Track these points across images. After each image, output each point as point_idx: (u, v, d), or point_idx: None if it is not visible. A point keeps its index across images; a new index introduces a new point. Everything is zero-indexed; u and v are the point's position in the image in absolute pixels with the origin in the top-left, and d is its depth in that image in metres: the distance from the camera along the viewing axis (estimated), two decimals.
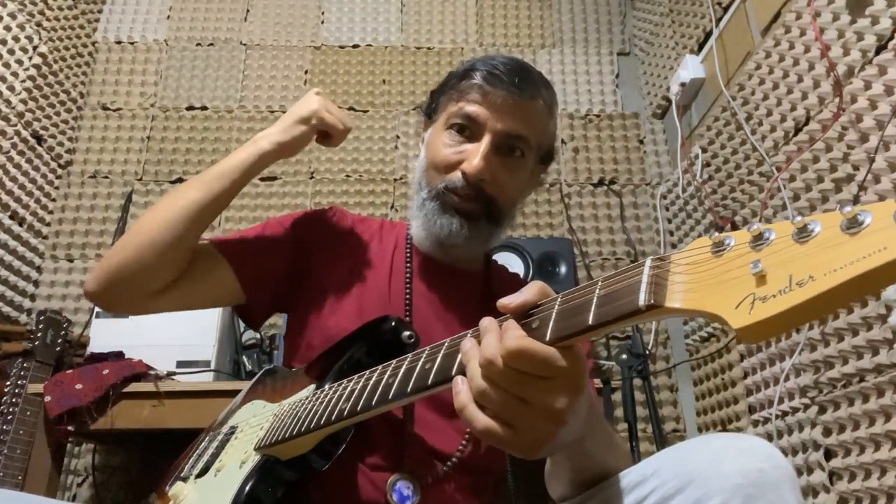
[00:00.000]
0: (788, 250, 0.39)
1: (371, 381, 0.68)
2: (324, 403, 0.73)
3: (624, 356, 1.77)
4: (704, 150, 1.98)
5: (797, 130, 1.52)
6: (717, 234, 0.44)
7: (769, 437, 1.49)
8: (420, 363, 0.62)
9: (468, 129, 0.97)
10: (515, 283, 1.13)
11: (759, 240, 0.41)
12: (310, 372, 0.89)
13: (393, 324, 0.83)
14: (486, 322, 0.56)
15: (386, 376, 0.66)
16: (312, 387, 0.84)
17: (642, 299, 0.44)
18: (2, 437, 1.48)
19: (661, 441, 1.80)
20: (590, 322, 0.48)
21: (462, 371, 0.55)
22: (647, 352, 1.89)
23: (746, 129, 1.73)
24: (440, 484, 0.87)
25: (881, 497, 1.17)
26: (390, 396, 0.63)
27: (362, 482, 0.84)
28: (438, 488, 0.86)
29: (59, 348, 1.66)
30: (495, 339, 0.52)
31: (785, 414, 1.47)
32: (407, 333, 0.83)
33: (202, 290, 0.97)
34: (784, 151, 1.56)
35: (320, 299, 0.99)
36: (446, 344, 0.61)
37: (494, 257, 1.18)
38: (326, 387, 0.77)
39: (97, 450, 1.95)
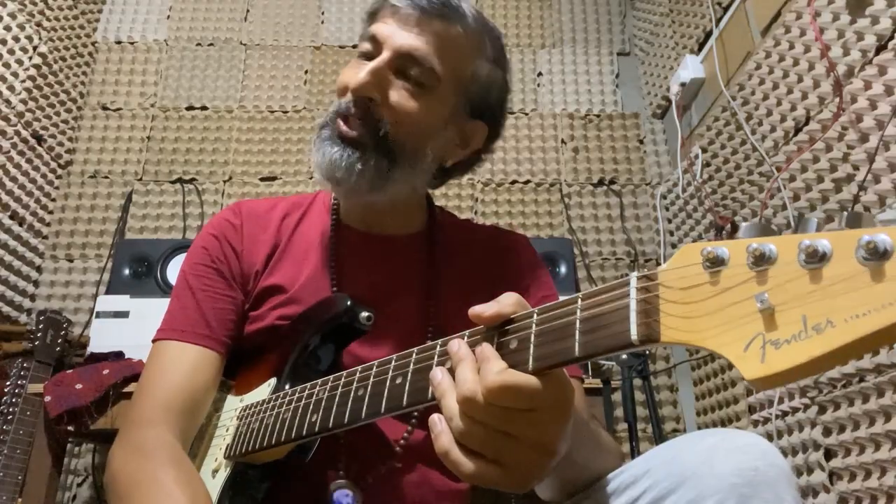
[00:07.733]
0: (798, 282, 0.35)
1: (339, 392, 0.65)
2: (290, 411, 0.70)
3: (624, 356, 1.77)
4: (704, 150, 1.98)
5: (797, 130, 1.52)
6: (707, 246, 0.39)
7: (769, 437, 1.48)
8: (389, 377, 0.59)
9: (372, 53, 0.84)
10: (471, 241, 0.98)
11: (760, 261, 0.36)
12: (264, 359, 0.86)
13: (349, 303, 0.77)
14: (456, 347, 0.50)
15: (354, 387, 0.63)
16: (273, 381, 0.80)
17: (634, 333, 0.41)
18: (2, 437, 1.48)
19: (661, 441, 1.80)
20: (576, 353, 0.44)
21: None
22: (647, 352, 1.89)
23: (746, 129, 1.73)
24: (387, 481, 0.81)
25: (881, 497, 1.17)
26: (363, 416, 0.60)
27: (304, 496, 0.79)
28: (386, 485, 0.80)
29: (59, 348, 1.66)
30: (471, 370, 0.48)
31: (785, 414, 1.47)
32: (365, 315, 0.76)
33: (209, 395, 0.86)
34: (784, 151, 1.56)
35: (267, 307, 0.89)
36: (414, 357, 0.57)
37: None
38: (287, 388, 0.75)
39: (97, 450, 1.94)
